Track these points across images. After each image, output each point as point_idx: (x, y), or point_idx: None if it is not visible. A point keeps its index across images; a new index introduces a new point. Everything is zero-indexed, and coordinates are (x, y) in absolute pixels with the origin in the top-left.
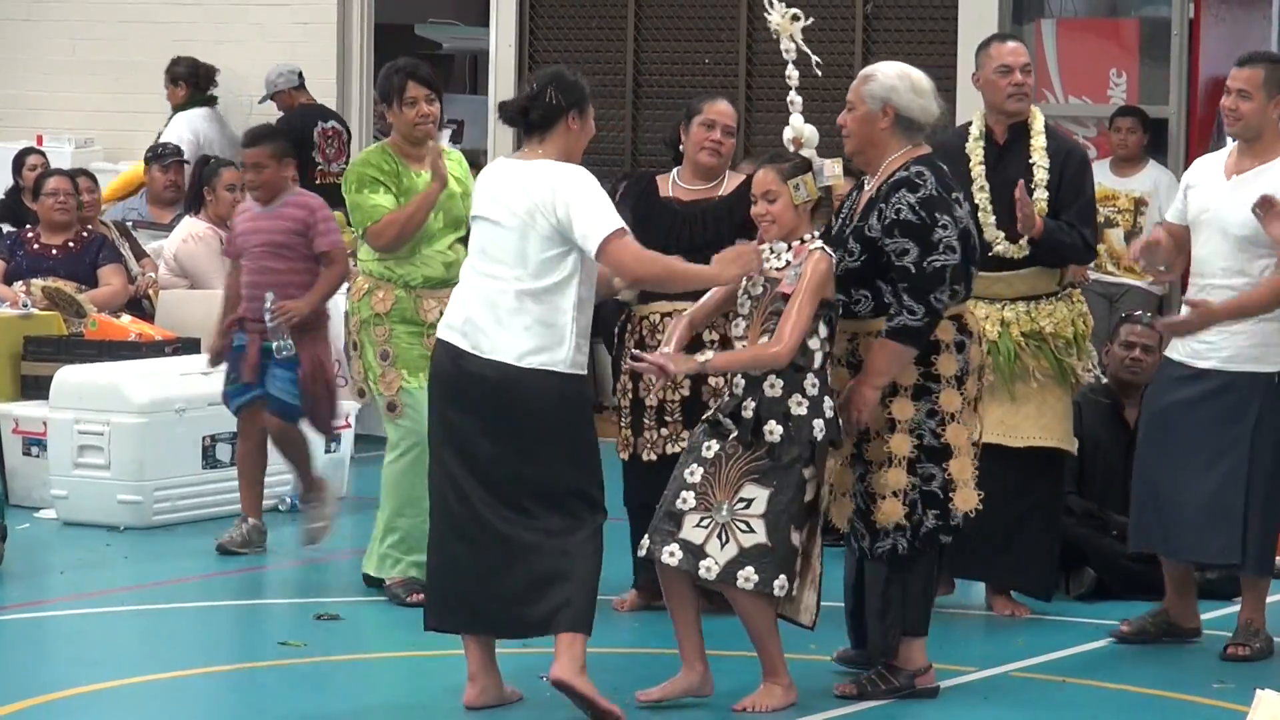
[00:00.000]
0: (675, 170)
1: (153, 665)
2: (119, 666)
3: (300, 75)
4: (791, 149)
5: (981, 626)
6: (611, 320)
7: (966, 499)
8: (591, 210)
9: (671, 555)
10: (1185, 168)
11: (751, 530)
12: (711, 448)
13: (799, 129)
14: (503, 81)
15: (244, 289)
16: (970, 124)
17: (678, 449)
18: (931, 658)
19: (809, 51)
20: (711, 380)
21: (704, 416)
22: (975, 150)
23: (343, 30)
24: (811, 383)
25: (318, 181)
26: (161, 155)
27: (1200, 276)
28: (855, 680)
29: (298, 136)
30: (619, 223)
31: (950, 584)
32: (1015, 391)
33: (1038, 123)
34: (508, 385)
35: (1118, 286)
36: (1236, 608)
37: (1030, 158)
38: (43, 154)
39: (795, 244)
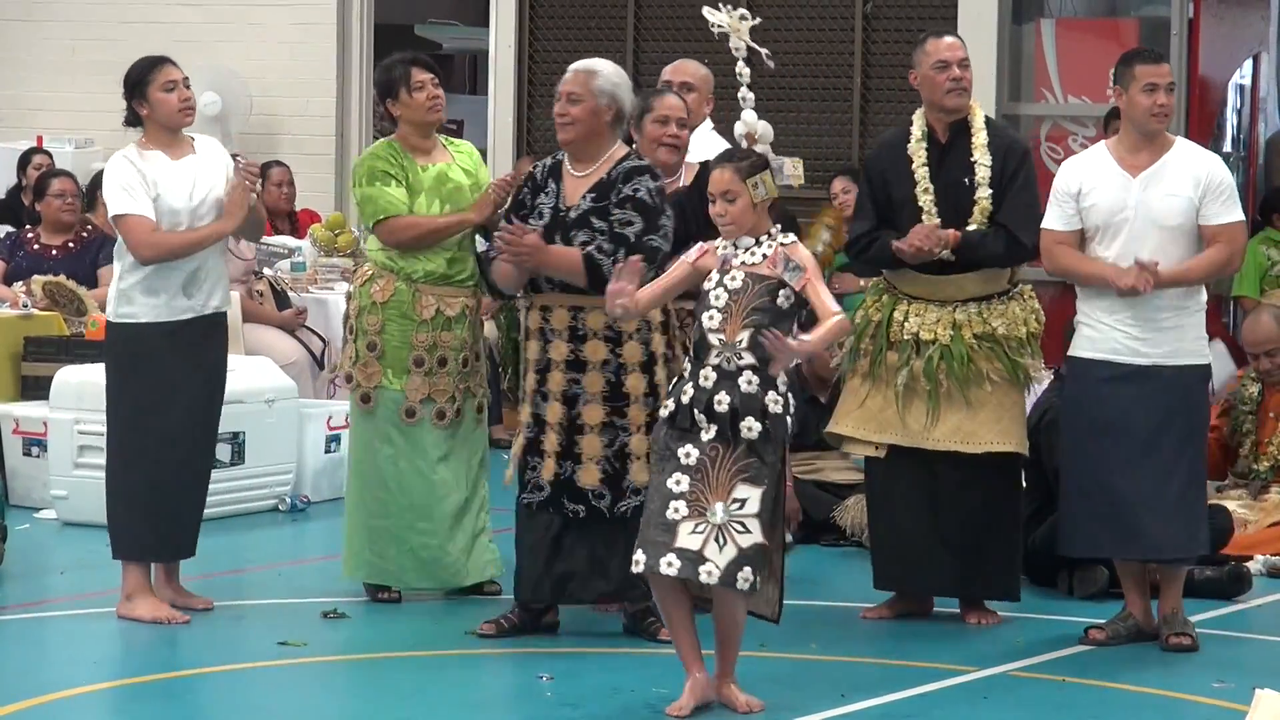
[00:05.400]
0: None
1: (152, 665)
2: (119, 666)
3: None
4: (744, 144)
5: (981, 627)
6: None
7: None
8: None
9: (669, 565)
10: None
11: (748, 530)
12: (691, 454)
13: (752, 124)
14: (502, 82)
15: None
16: (911, 124)
17: None
18: (931, 657)
19: (758, 47)
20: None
21: (661, 411)
22: (918, 151)
23: (343, 30)
24: (783, 379)
25: None
26: None
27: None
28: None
29: None
30: None
31: (929, 603)
32: (970, 397)
33: (978, 119)
34: (223, 328)
35: None
36: (1235, 608)
37: (972, 155)
38: (48, 154)
39: (767, 239)
